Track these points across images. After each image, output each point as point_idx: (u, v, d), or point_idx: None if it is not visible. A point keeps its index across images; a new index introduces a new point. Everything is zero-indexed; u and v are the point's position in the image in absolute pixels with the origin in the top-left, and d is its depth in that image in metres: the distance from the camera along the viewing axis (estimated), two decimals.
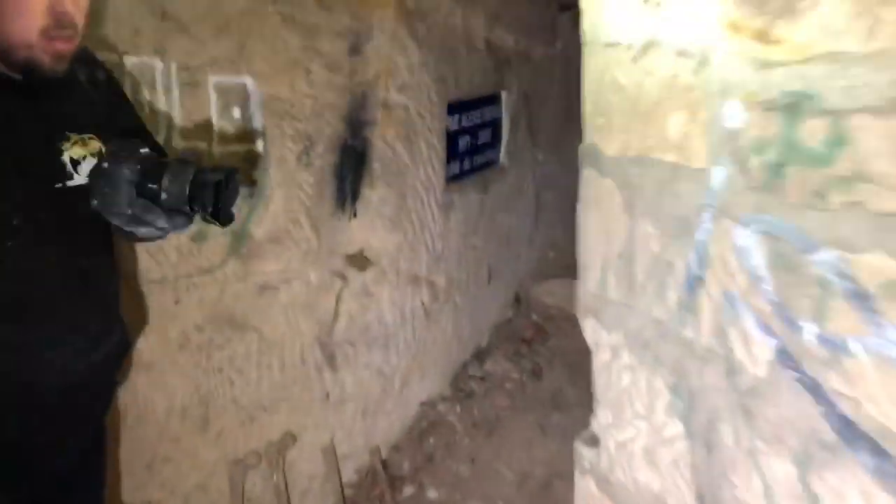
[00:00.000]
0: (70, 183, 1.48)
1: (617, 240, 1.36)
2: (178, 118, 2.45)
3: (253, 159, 2.64)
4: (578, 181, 1.53)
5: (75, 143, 1.47)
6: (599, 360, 1.51)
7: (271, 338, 2.83)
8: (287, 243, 2.78)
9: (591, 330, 1.51)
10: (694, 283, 1.20)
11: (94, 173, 1.42)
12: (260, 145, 2.64)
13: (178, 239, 2.55)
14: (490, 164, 3.97)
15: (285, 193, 2.72)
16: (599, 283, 1.43)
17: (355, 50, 2.80)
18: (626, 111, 1.30)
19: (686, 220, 1.20)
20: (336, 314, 3.01)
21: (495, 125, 3.97)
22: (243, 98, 2.56)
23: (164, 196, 1.43)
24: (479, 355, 4.00)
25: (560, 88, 4.81)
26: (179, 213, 1.47)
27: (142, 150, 1.48)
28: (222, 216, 1.52)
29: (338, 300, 3.00)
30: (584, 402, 3.84)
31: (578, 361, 4.01)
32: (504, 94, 3.99)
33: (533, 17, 4.13)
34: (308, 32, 2.65)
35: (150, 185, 1.43)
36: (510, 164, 4.18)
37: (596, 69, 1.36)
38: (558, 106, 4.83)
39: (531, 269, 4.90)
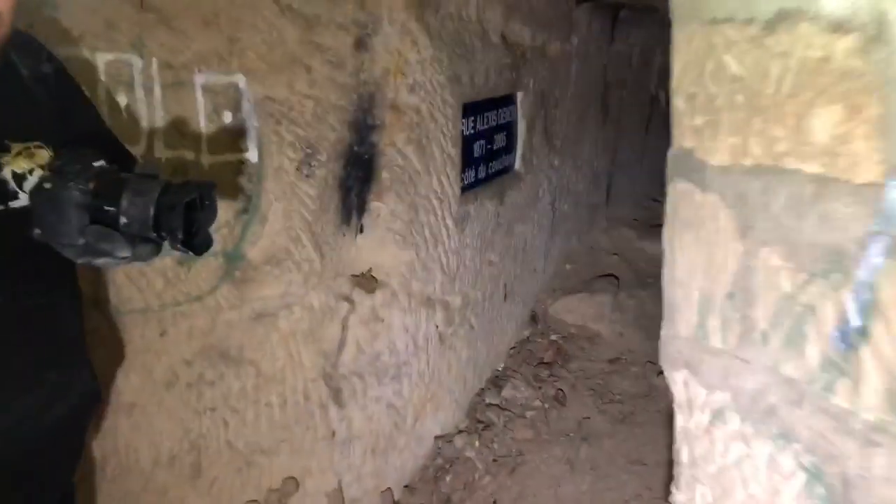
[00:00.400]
0: (13, 204, 1.18)
1: (725, 274, 1.06)
2: (161, 124, 2.16)
3: (247, 170, 2.35)
4: (668, 196, 1.23)
5: (18, 154, 1.16)
6: (693, 423, 1.21)
7: (270, 372, 2.54)
8: (287, 264, 2.49)
9: (681, 385, 1.21)
10: (852, 337, 0.91)
11: (35, 195, 1.12)
12: (254, 154, 2.36)
13: (163, 262, 2.27)
14: (505, 170, 3.68)
15: (284, 208, 2.43)
16: (697, 328, 1.14)
17: (361, 44, 2.51)
18: (742, 107, 1.00)
19: (840, 251, 0.90)
20: (342, 343, 2.72)
21: (510, 128, 3.67)
22: (235, 100, 2.27)
23: (123, 221, 1.18)
24: (497, 381, 3.69)
25: (575, 88, 4.52)
26: (145, 240, 1.22)
27: (95, 164, 1.19)
28: (197, 243, 1.26)
29: (344, 327, 2.71)
30: (616, 432, 3.57)
31: (604, 385, 3.72)
32: (520, 95, 3.70)
33: (549, 9, 3.84)
34: (308, 24, 2.36)
35: (105, 208, 1.17)
36: (525, 170, 3.89)
37: (694, 53, 1.07)
38: (574, 107, 4.54)
39: (547, 283, 4.60)
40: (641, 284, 4.94)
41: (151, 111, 2.14)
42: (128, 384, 2.26)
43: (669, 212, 1.21)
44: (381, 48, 2.58)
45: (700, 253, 1.10)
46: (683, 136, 1.11)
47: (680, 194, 1.14)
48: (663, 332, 1.28)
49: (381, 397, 2.85)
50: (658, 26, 5.96)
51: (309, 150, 2.45)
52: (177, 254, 2.24)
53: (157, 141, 2.16)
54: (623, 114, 5.75)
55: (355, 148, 2.61)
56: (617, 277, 4.81)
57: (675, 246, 1.17)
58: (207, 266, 2.35)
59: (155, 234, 1.20)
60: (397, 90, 2.67)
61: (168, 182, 1.23)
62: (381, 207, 2.74)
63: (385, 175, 2.72)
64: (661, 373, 3.82)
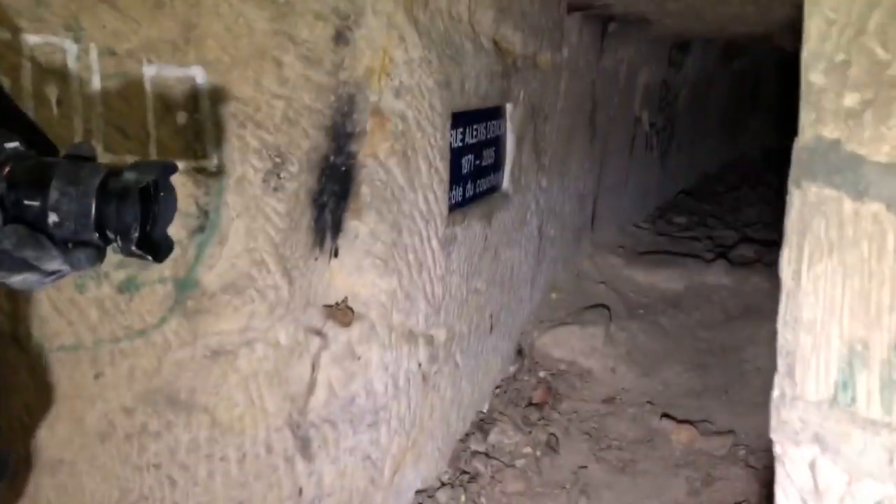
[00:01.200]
0: None
1: (892, 316, 0.77)
2: (99, 122, 1.85)
3: (204, 180, 2.03)
4: (788, 208, 0.94)
5: None
6: None
7: (227, 420, 2.21)
8: (249, 293, 2.17)
9: (803, 466, 0.91)
10: None
11: None
12: (213, 161, 2.05)
13: (100, 289, 1.94)
14: (493, 189, 3.40)
15: (247, 226, 2.12)
16: (839, 390, 0.84)
17: (341, 38, 2.22)
18: None
19: None
20: (312, 385, 2.40)
21: (499, 143, 3.40)
22: (191, 97, 1.98)
23: (53, 219, 0.89)
24: (482, 424, 3.38)
25: (565, 103, 4.27)
26: (82, 244, 0.92)
27: (7, 145, 0.90)
28: (157, 244, 0.97)
29: (314, 366, 2.39)
30: (615, 483, 3.28)
31: (600, 429, 3.43)
32: (510, 107, 3.44)
33: (541, 15, 3.59)
34: (279, 12, 2.07)
35: (26, 203, 0.89)
36: (514, 189, 3.62)
37: (842, 8, 0.78)
38: (563, 123, 4.30)
39: (533, 314, 4.31)
40: (632, 316, 4.69)
41: (88, 106, 1.83)
42: (53, 437, 1.93)
43: (793, 228, 0.93)
44: (364, 44, 2.29)
45: (848, 286, 0.81)
46: (823, 121, 0.83)
47: (815, 203, 0.87)
48: (776, 393, 1.00)
49: (355, 448, 2.52)
50: (645, 42, 5.78)
51: (278, 159, 2.14)
52: (117, 278, 1.92)
53: (95, 142, 1.85)
54: (610, 133, 5.53)
55: (332, 158, 2.31)
56: (608, 308, 4.54)
57: (804, 276, 0.89)
58: (153, 294, 2.02)
59: (97, 236, 0.91)
60: (381, 93, 2.38)
61: (112, 166, 0.94)
62: (360, 227, 2.44)
63: (365, 190, 2.42)
64: (662, 416, 3.54)
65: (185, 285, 2.08)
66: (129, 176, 0.92)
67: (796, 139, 0.93)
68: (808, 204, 0.91)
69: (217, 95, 2.01)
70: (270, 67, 2.08)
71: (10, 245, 0.88)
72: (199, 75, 1.99)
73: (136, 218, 0.91)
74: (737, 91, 9.20)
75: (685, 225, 6.89)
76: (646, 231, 6.47)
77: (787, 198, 0.95)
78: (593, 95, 4.92)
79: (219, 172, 2.07)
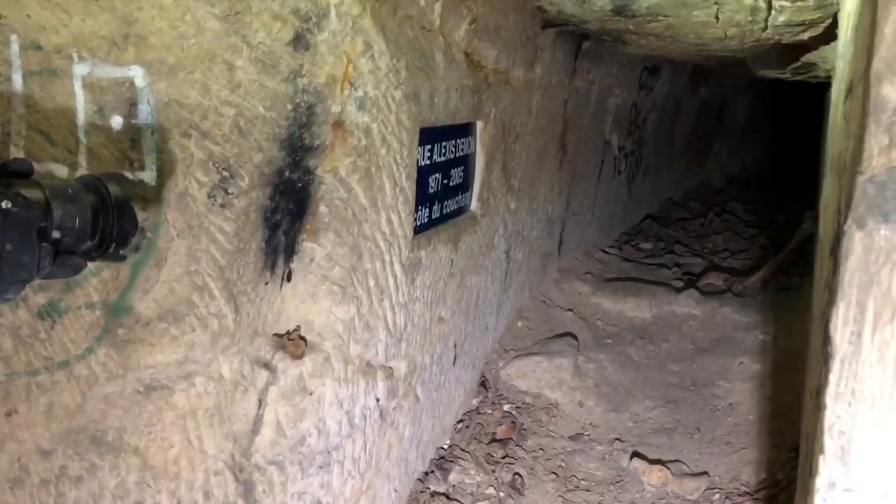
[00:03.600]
0: None
1: None
2: (20, 125, 1.64)
3: (140, 194, 1.82)
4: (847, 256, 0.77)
5: None
6: None
7: (160, 463, 1.99)
8: (189, 321, 1.96)
9: None
10: None
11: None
12: (152, 173, 1.85)
13: (15, 315, 1.72)
14: (461, 211, 3.23)
15: (189, 246, 1.92)
16: None
17: (301, 41, 2.03)
18: None
19: None
20: (258, 423, 2.19)
21: (467, 162, 3.23)
22: (128, 100, 1.78)
23: (55, 236, 1.14)
24: (442, 463, 3.18)
25: (536, 123, 4.12)
26: (70, 254, 1.18)
27: None
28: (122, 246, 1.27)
29: (261, 403, 2.19)
30: None
31: (567, 468, 3.26)
32: (480, 125, 3.27)
33: (515, 29, 3.44)
34: (232, 9, 1.88)
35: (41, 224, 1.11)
36: (482, 212, 3.45)
37: None
38: (533, 144, 4.15)
39: (498, 342, 4.14)
40: (600, 346, 4.54)
41: (7, 107, 1.61)
42: None
43: (852, 280, 0.75)
44: (326, 49, 2.10)
45: None
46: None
47: (884, 249, 0.69)
48: (822, 481, 0.82)
49: (304, 492, 2.31)
50: (617, 64, 5.68)
51: (226, 173, 1.94)
52: (42, 297, 1.70)
53: (15, 148, 1.64)
54: (579, 156, 5.40)
55: (287, 173, 2.11)
56: (576, 337, 4.38)
57: (866, 339, 0.72)
58: (79, 321, 1.80)
59: (94, 245, 1.13)
60: (344, 104, 2.20)
61: (86, 178, 1.19)
62: (317, 250, 2.24)
63: (323, 209, 2.22)
64: (633, 455, 3.38)
65: (116, 311, 1.87)
66: (116, 188, 1.14)
67: (859, 169, 0.76)
68: (874, 250, 0.75)
69: (158, 100, 1.81)
70: (220, 71, 1.89)
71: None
72: (139, 77, 1.78)
73: (135, 225, 1.14)
74: (703, 117, 9.20)
75: (652, 251, 6.81)
76: (613, 257, 6.36)
77: (843, 241, 0.79)
78: (565, 116, 4.79)
79: (158, 186, 1.86)
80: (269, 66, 1.98)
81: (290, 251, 2.23)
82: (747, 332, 4.67)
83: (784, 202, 8.72)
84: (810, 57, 4.00)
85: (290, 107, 2.05)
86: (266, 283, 2.17)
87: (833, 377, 0.84)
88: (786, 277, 5.76)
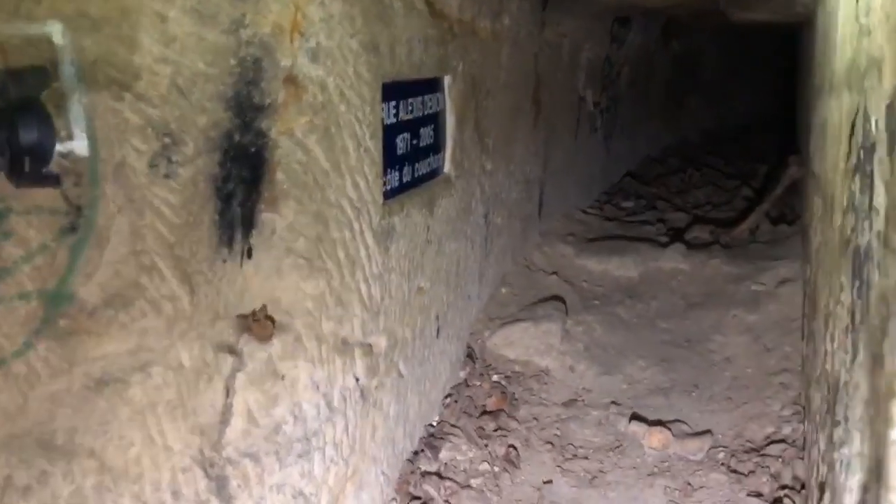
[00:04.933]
0: None
1: None
2: None
3: (72, 168, 1.64)
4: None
5: None
6: None
7: (120, 464, 1.82)
8: (139, 306, 1.79)
9: None
10: None
11: None
12: (83, 143, 1.65)
13: None
14: (434, 173, 3.06)
15: (132, 223, 1.74)
16: None
17: None
18: None
19: None
20: (226, 414, 2.02)
21: (437, 120, 3.05)
22: (48, 62, 1.56)
23: None
24: (432, 440, 3.03)
25: (507, 77, 3.94)
26: None
27: None
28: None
29: (229, 391, 2.02)
30: (585, 499, 2.96)
31: (562, 436, 3.12)
32: (448, 79, 3.09)
33: None
34: None
35: None
36: (457, 174, 3.28)
37: None
38: (506, 100, 3.97)
39: (482, 311, 3.99)
40: (587, 308, 4.40)
41: None
42: None
43: None
44: None
45: None
46: None
47: None
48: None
49: (283, 484, 2.15)
50: (587, 16, 5.50)
51: (167, 139, 1.76)
52: None
53: None
54: (554, 113, 5.23)
55: (237, 137, 1.93)
56: (563, 301, 4.23)
57: None
58: (12, 314, 1.62)
59: None
60: (295, 57, 2.01)
61: None
62: (277, 220, 2.06)
63: (280, 176, 2.04)
64: (631, 418, 3.25)
65: (55, 300, 1.68)
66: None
67: None
68: None
69: (82, 59, 1.61)
70: (151, 24, 1.69)
71: None
72: (57, 33, 1.58)
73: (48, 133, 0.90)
74: (677, 72, 9.06)
75: (634, 209, 6.68)
76: (594, 217, 6.22)
77: (888, 142, 0.62)
78: (536, 71, 4.61)
79: (92, 158, 1.67)
80: (207, 16, 1.79)
81: (249, 224, 2.04)
82: (739, 284, 4.55)
83: (765, 152, 8.62)
84: None
85: (233, 61, 1.86)
86: (224, 261, 1.99)
87: None
88: (772, 225, 5.65)
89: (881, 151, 0.92)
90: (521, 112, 4.38)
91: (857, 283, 1.18)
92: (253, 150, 1.98)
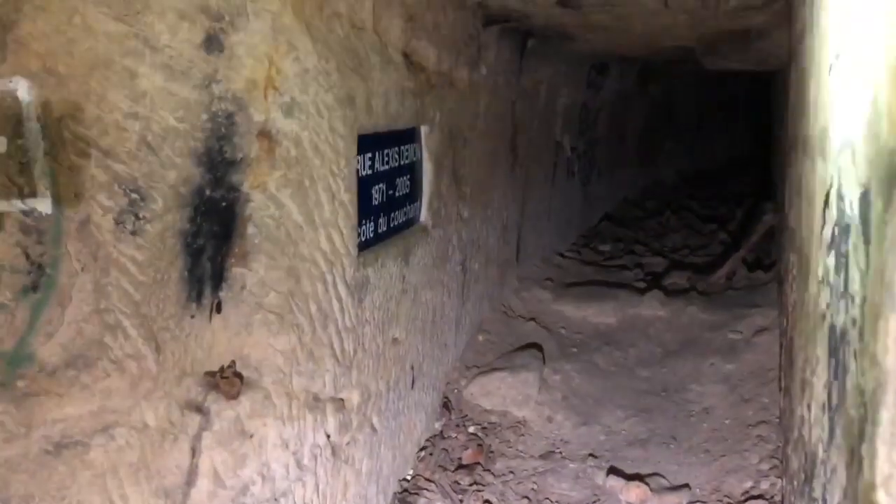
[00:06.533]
0: None
1: None
2: None
3: (35, 226, 1.59)
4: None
5: None
6: None
7: None
8: (102, 366, 1.74)
9: None
10: None
11: None
12: (47, 201, 1.61)
13: None
14: (410, 223, 3.03)
15: (96, 281, 1.69)
16: None
17: (214, 43, 1.82)
18: None
19: None
20: (192, 475, 1.96)
21: (413, 170, 3.04)
22: (12, 117, 1.54)
23: None
24: (405, 496, 2.96)
25: (484, 125, 3.95)
26: None
27: None
28: None
29: (194, 452, 1.96)
30: None
31: (539, 491, 3.06)
32: (425, 129, 3.08)
33: (456, 27, 3.27)
34: (130, 9, 1.66)
35: None
36: (433, 222, 3.25)
37: None
38: (483, 148, 3.97)
39: (459, 360, 3.94)
40: (565, 355, 4.37)
41: None
42: None
43: None
44: (244, 51, 1.90)
45: None
46: None
47: None
48: None
49: None
50: (564, 63, 5.55)
51: (135, 195, 1.72)
52: None
53: None
54: (531, 159, 5.24)
55: (208, 192, 1.89)
56: (540, 349, 4.20)
57: None
58: None
59: None
60: (268, 111, 1.99)
61: None
62: (248, 275, 2.03)
63: (252, 230, 2.01)
64: (608, 472, 3.20)
65: (14, 360, 1.63)
66: None
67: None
68: None
69: (48, 116, 1.58)
70: (120, 79, 1.67)
71: None
72: (23, 89, 1.55)
73: None
74: (653, 116, 9.16)
75: (611, 252, 6.68)
76: (572, 261, 6.21)
77: (861, 229, 0.60)
78: (514, 118, 4.63)
79: (56, 215, 1.62)
80: (179, 71, 1.77)
81: (218, 279, 2.00)
82: (716, 332, 4.54)
83: (741, 195, 8.69)
84: (762, 43, 3.89)
85: (205, 116, 1.84)
86: (192, 317, 1.94)
87: (887, 414, 0.65)
88: (748, 272, 5.66)
89: (855, 237, 0.90)
90: (498, 159, 4.38)
91: (833, 363, 1.16)
92: (224, 204, 1.95)
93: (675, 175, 10.48)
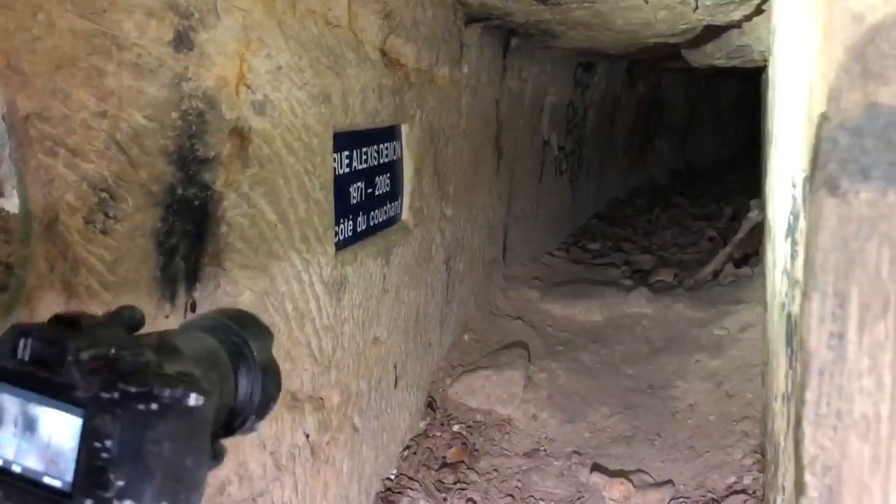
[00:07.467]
0: None
1: None
2: None
3: (2, 226, 1.59)
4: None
5: None
6: None
7: None
8: None
9: None
10: None
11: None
12: (13, 201, 1.61)
13: None
14: (390, 221, 3.03)
15: (64, 281, 1.68)
16: None
17: (183, 41, 1.81)
18: None
19: None
20: None
21: (394, 169, 3.03)
22: None
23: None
24: (388, 495, 2.96)
25: (467, 124, 3.95)
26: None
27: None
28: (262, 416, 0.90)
29: None
30: None
31: (524, 488, 3.06)
32: (405, 128, 3.08)
33: (436, 25, 3.26)
34: (96, 6, 1.65)
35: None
36: (415, 221, 3.25)
37: None
38: (467, 146, 3.97)
39: (444, 359, 3.94)
40: (551, 354, 4.37)
41: None
42: None
43: (826, 263, 0.57)
44: (214, 48, 1.89)
45: None
46: (882, 75, 0.47)
47: (869, 219, 0.51)
48: None
49: None
50: (550, 61, 5.55)
51: (104, 194, 1.71)
52: None
53: None
54: (517, 158, 5.24)
55: (180, 191, 1.89)
56: (526, 347, 4.20)
57: (850, 343, 0.55)
58: None
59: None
60: (240, 109, 1.98)
61: (211, 321, 0.83)
62: (221, 274, 2.02)
63: (225, 229, 2.00)
64: (592, 469, 3.20)
65: None
66: (255, 340, 0.80)
67: (820, 116, 0.58)
68: (853, 220, 0.57)
69: (14, 115, 1.57)
70: (87, 78, 1.66)
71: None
72: None
73: (279, 386, 0.84)
74: (642, 114, 9.16)
75: (600, 251, 6.69)
76: (560, 260, 6.21)
77: (808, 214, 0.60)
78: (498, 117, 4.63)
79: (23, 215, 1.62)
80: (147, 70, 1.76)
81: (193, 278, 1.99)
82: (701, 328, 4.55)
83: (730, 194, 8.71)
84: (744, 39, 3.90)
85: (175, 115, 1.83)
86: (166, 316, 1.93)
87: (811, 394, 0.66)
88: (735, 268, 5.67)
89: (802, 223, 0.91)
90: (482, 158, 4.38)
91: (788, 351, 1.16)
92: (197, 203, 1.94)
93: (666, 173, 10.49)
